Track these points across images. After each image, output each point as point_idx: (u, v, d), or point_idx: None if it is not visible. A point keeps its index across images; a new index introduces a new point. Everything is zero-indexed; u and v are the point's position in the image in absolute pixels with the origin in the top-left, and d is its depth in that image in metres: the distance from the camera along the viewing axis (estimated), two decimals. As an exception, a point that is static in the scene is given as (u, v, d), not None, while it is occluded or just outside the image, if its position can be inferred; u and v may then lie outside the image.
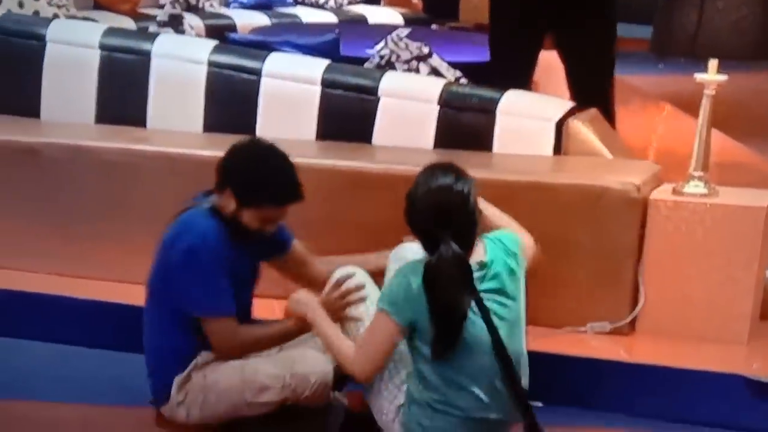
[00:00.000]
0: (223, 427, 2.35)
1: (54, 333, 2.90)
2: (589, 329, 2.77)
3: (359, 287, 2.34)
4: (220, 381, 2.32)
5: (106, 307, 2.87)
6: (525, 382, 2.26)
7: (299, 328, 2.35)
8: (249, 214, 2.32)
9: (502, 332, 2.17)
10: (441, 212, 2.14)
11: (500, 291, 2.19)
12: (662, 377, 2.62)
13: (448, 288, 2.12)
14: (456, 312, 2.14)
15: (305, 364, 2.30)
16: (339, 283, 2.34)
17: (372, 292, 2.35)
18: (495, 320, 2.15)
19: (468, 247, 2.17)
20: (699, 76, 2.75)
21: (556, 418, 2.52)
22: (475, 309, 2.14)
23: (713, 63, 2.71)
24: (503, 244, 2.23)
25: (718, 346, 2.73)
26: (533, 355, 2.47)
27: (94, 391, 2.65)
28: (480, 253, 2.19)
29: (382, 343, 2.18)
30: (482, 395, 2.17)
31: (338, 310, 2.32)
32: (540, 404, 2.51)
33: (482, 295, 2.16)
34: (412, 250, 2.28)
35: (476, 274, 2.17)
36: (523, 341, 2.26)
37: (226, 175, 2.35)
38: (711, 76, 2.72)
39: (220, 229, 2.32)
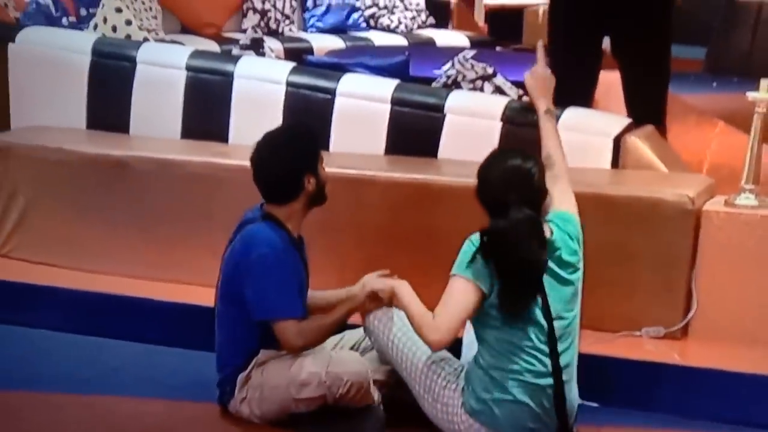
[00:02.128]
0: (279, 423, 2.45)
1: (138, 332, 3.00)
2: (644, 333, 2.80)
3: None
4: (271, 378, 2.43)
5: (186, 309, 2.96)
6: (575, 357, 2.32)
7: (348, 312, 2.47)
8: (321, 170, 2.49)
9: (559, 306, 2.28)
10: (512, 182, 2.28)
11: (563, 271, 2.30)
12: (714, 380, 2.66)
13: (522, 243, 2.22)
14: (534, 265, 2.23)
15: (340, 364, 2.40)
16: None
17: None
18: (551, 293, 2.26)
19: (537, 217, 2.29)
20: (751, 95, 2.80)
21: (611, 418, 2.60)
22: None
23: (765, 82, 2.75)
24: (565, 222, 2.35)
25: (766, 350, 2.73)
26: (591, 358, 2.56)
27: (172, 387, 2.72)
28: (547, 231, 2.31)
29: (462, 308, 2.27)
30: (539, 363, 2.27)
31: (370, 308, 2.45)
32: (596, 404, 2.60)
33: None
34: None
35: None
36: (576, 317, 2.34)
37: (291, 173, 2.48)
38: (762, 94, 2.77)
39: (284, 238, 2.46)
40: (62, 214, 3.25)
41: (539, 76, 2.60)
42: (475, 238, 2.27)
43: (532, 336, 2.25)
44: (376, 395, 2.45)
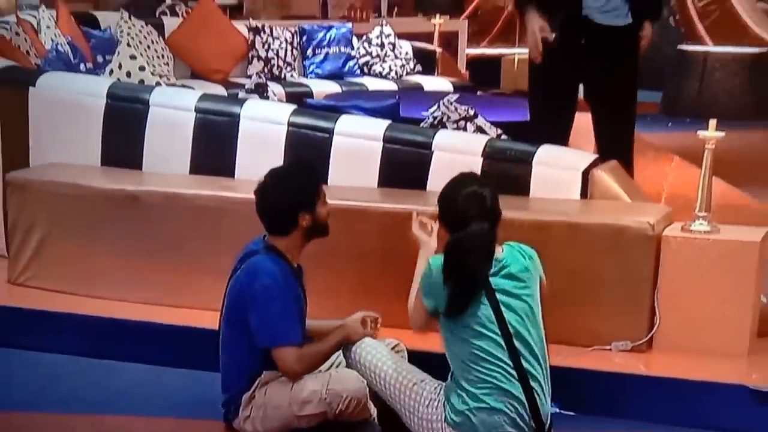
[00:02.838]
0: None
1: (147, 355, 3.01)
2: (613, 347, 2.87)
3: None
4: (274, 397, 2.47)
5: (192, 332, 2.98)
6: (545, 367, 2.41)
7: (345, 338, 2.53)
8: (319, 207, 2.54)
9: (514, 320, 2.36)
10: (471, 202, 2.39)
11: (513, 286, 2.38)
12: (677, 388, 2.74)
13: (470, 251, 2.33)
14: (472, 272, 2.33)
15: (340, 382, 2.45)
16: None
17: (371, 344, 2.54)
18: (504, 309, 2.35)
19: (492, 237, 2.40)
20: (701, 133, 2.90)
21: (586, 425, 2.68)
22: (485, 300, 2.35)
23: (712, 122, 2.87)
24: (521, 250, 2.46)
25: (723, 360, 2.82)
26: (567, 371, 2.64)
27: (179, 406, 2.73)
28: (498, 251, 2.42)
29: (419, 318, 2.49)
30: (506, 372, 2.35)
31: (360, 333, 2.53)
32: (572, 413, 2.69)
33: (494, 286, 2.36)
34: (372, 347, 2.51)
35: (492, 269, 2.37)
36: (537, 334, 2.41)
37: (287, 211, 2.52)
38: (711, 133, 2.88)
39: (285, 269, 2.51)
40: (76, 244, 3.30)
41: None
42: (432, 258, 2.44)
43: (494, 349, 2.36)
44: (372, 409, 2.54)
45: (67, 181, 3.30)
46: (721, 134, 2.88)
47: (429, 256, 2.52)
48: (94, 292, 3.23)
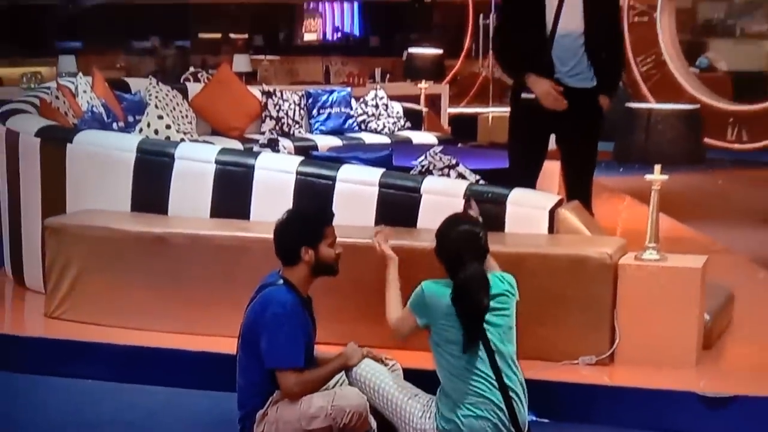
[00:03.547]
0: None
1: (173, 378, 3.01)
2: (580, 362, 2.91)
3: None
4: (285, 414, 2.47)
5: (213, 357, 2.98)
6: (520, 379, 2.45)
7: (342, 365, 2.55)
8: (323, 247, 2.55)
9: (495, 337, 2.41)
10: (465, 242, 2.45)
11: (495, 307, 2.44)
12: (636, 396, 2.78)
13: (478, 292, 2.38)
14: (483, 311, 2.39)
15: (343, 398, 2.46)
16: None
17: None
18: (487, 326, 2.40)
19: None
20: (648, 176, 2.96)
21: (558, 431, 2.70)
22: None
23: (657, 167, 2.95)
24: (501, 277, 2.53)
25: (675, 371, 2.87)
26: (541, 383, 2.67)
27: (202, 424, 2.72)
28: None
29: (407, 329, 2.52)
30: (489, 383, 2.39)
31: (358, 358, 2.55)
32: (547, 420, 2.71)
33: None
34: (372, 367, 2.54)
35: None
36: (513, 347, 2.47)
37: (291, 243, 2.54)
38: (656, 176, 2.96)
39: (295, 299, 2.54)
40: (107, 281, 3.30)
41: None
42: (425, 284, 2.48)
43: (478, 363, 2.41)
44: (372, 422, 2.55)
45: (100, 225, 3.32)
46: (665, 177, 2.94)
47: (395, 266, 2.61)
48: (123, 324, 3.23)
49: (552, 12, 3.57)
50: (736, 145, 7.56)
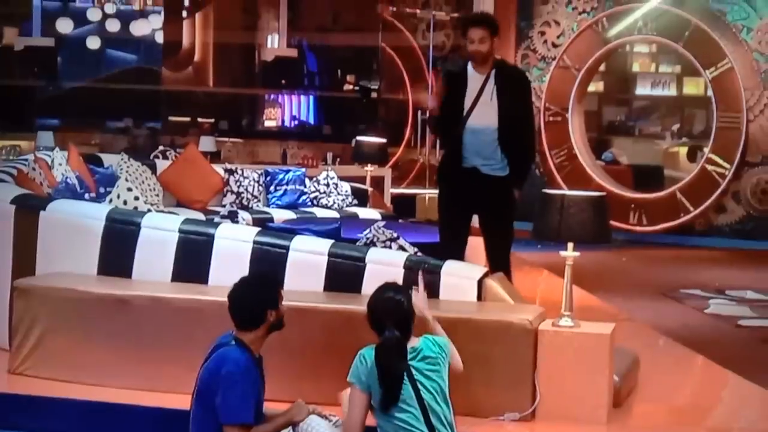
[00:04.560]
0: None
1: None
2: (506, 418, 2.90)
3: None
4: None
5: (169, 413, 2.90)
6: None
7: (288, 421, 2.51)
8: (280, 307, 2.54)
9: (428, 396, 2.40)
10: (385, 311, 2.46)
11: (427, 369, 2.44)
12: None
13: (390, 356, 2.39)
14: (396, 374, 2.38)
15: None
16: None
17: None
18: (421, 387, 2.39)
19: (406, 334, 2.47)
20: (562, 253, 3.02)
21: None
22: (405, 376, 2.40)
23: (570, 245, 3.04)
24: (434, 341, 2.53)
25: (588, 426, 2.88)
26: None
27: None
28: (415, 342, 2.50)
29: (359, 409, 2.43)
30: None
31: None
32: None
33: (413, 369, 2.42)
34: (317, 423, 2.50)
35: (411, 355, 2.44)
36: (447, 407, 2.45)
37: (256, 308, 2.52)
38: (569, 252, 3.03)
39: (248, 359, 2.51)
40: (71, 340, 3.18)
41: (422, 297, 2.72)
42: (363, 351, 2.47)
43: (414, 421, 2.39)
44: None
45: (66, 286, 3.22)
46: (577, 254, 3.01)
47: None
48: (84, 380, 3.10)
49: (466, 109, 3.73)
50: (638, 228, 7.86)
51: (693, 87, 9.02)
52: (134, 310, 3.14)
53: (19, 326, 3.23)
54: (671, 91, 9.22)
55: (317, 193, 6.00)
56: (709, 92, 7.77)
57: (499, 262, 3.70)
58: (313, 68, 11.20)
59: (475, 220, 3.94)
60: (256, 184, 5.78)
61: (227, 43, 10.83)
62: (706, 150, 7.81)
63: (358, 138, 7.15)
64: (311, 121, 11.33)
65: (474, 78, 3.79)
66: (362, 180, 6.44)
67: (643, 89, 9.37)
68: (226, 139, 9.51)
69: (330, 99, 11.04)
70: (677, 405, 3.34)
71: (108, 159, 5.38)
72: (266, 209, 5.72)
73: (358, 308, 2.84)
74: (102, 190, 4.50)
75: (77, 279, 3.32)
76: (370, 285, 2.99)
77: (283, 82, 11.16)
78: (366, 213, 5.87)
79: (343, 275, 3.20)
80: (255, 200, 5.73)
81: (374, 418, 2.44)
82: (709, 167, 7.63)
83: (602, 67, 8.79)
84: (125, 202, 3.81)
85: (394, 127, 9.61)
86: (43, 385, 3.10)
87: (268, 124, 11.27)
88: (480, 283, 3.17)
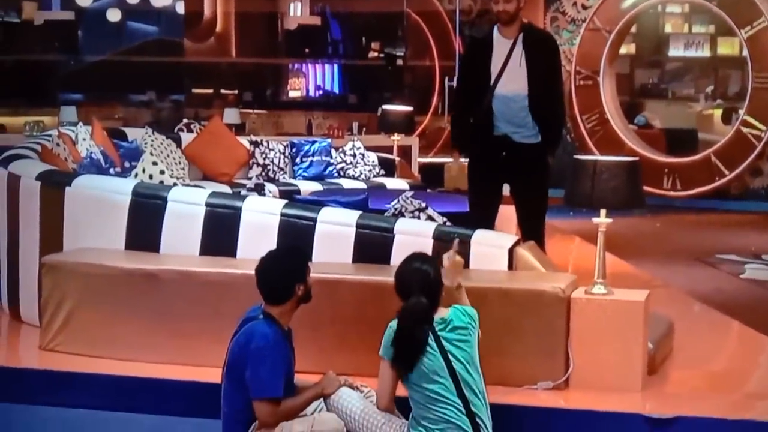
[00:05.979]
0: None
1: (161, 406, 2.93)
2: (539, 386, 2.90)
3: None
4: None
5: (199, 386, 2.91)
6: (486, 405, 2.44)
7: (319, 394, 2.54)
8: (309, 280, 2.56)
9: (459, 367, 2.41)
10: (412, 281, 2.47)
11: (458, 339, 2.44)
12: (589, 418, 2.78)
13: (411, 318, 2.39)
14: (414, 336, 2.38)
15: (322, 424, 2.47)
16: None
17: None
18: (452, 358, 2.40)
19: (433, 303, 2.46)
20: (595, 220, 3.00)
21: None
22: (435, 347, 2.38)
23: (603, 211, 3.00)
24: (463, 311, 2.53)
25: (623, 394, 2.87)
26: (504, 407, 2.64)
27: None
28: (444, 312, 2.49)
29: (388, 383, 2.45)
30: (456, 410, 2.37)
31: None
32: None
33: (443, 340, 2.41)
34: (348, 394, 2.51)
35: (440, 326, 2.43)
36: (478, 376, 2.46)
37: (286, 281, 2.52)
38: (602, 219, 3.01)
39: (277, 332, 2.51)
40: (101, 315, 3.21)
41: (452, 262, 2.66)
42: (393, 323, 2.46)
43: (445, 391, 2.39)
44: None
45: (94, 262, 3.24)
46: (610, 220, 2.98)
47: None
48: (114, 355, 3.12)
49: (494, 76, 3.64)
50: (671, 193, 7.74)
51: (727, 47, 8.73)
52: (163, 284, 3.15)
53: (48, 303, 3.26)
54: (705, 52, 8.94)
55: (344, 164, 5.97)
56: (744, 52, 7.57)
57: (533, 231, 3.63)
58: (337, 36, 11.04)
59: (506, 189, 3.90)
60: (282, 156, 5.77)
61: (249, 12, 10.73)
62: (741, 112, 7.64)
63: (384, 107, 7.06)
64: (336, 90, 11.20)
65: (501, 43, 3.68)
66: (389, 150, 6.39)
67: (675, 50, 9.10)
68: (250, 110, 9.49)
69: (355, 67, 10.90)
70: (713, 371, 3.32)
71: (132, 133, 5.38)
72: (292, 181, 5.72)
73: (387, 279, 2.82)
74: (127, 164, 4.49)
75: (105, 254, 3.33)
76: (398, 256, 2.99)
77: (307, 50, 11.03)
78: (393, 183, 5.83)
79: (372, 246, 3.19)
80: (281, 172, 5.73)
81: (405, 385, 2.45)
82: (745, 129, 7.46)
83: (633, 29, 8.55)
84: (151, 177, 3.76)
85: (421, 95, 9.47)
86: (73, 361, 3.13)
87: (292, 94, 11.19)
88: (511, 251, 3.14)
